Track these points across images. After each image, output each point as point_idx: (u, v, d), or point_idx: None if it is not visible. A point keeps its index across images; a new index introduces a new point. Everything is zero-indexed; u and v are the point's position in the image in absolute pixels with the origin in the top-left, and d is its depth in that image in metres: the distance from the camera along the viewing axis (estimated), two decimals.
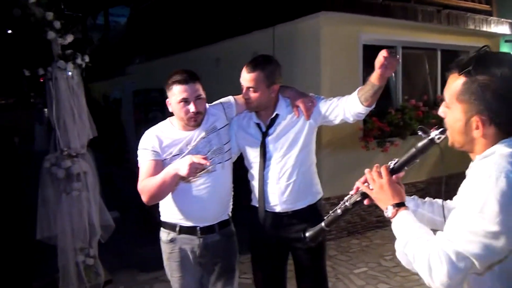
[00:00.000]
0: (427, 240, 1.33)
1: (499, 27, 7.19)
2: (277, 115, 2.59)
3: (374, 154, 5.90)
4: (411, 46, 6.56)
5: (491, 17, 7.12)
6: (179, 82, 2.36)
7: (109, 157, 9.83)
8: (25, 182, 4.22)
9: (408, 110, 6.16)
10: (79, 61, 4.13)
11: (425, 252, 1.29)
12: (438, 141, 1.45)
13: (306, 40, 5.61)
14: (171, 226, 2.54)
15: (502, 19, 7.25)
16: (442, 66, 6.99)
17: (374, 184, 1.55)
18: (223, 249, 2.56)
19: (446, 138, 1.45)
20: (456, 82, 1.34)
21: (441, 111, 1.43)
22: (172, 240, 2.54)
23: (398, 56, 2.19)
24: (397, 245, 1.43)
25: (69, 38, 4.07)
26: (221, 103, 2.62)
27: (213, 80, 7.18)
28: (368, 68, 6.12)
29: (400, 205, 1.49)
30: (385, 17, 5.70)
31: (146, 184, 2.33)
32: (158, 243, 2.60)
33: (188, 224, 2.49)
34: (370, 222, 5.95)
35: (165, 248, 2.59)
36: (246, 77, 2.51)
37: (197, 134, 2.45)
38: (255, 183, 2.66)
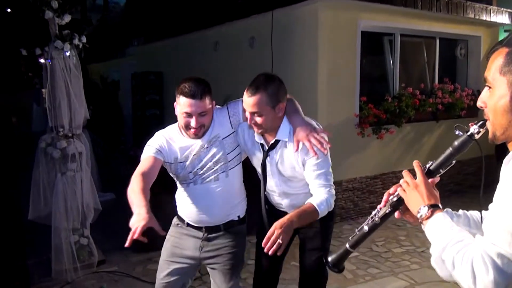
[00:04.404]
0: (468, 244, 1.21)
1: (498, 17, 7.18)
2: (277, 141, 2.43)
3: (370, 140, 5.94)
4: (410, 33, 6.56)
5: (491, 6, 7.11)
6: (186, 94, 2.24)
7: (106, 139, 9.85)
8: (21, 162, 4.24)
9: (404, 97, 6.18)
10: (76, 41, 4.14)
11: (467, 257, 1.18)
12: (477, 136, 1.35)
13: (304, 26, 5.60)
14: (181, 219, 2.60)
15: (502, 9, 7.24)
16: (440, 54, 6.99)
17: (408, 186, 1.43)
18: (226, 241, 2.53)
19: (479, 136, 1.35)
20: (499, 57, 1.24)
21: (481, 100, 1.30)
22: (179, 226, 2.60)
23: None
24: (434, 250, 1.29)
25: (67, 18, 4.07)
26: (227, 109, 2.47)
27: (212, 63, 7.20)
28: (366, 55, 6.19)
29: (435, 207, 1.36)
30: (384, 3, 5.69)
31: (132, 184, 2.14)
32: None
33: (195, 225, 2.54)
34: (363, 209, 6.01)
35: (170, 230, 2.63)
36: (249, 102, 2.29)
37: (199, 144, 2.40)
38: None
